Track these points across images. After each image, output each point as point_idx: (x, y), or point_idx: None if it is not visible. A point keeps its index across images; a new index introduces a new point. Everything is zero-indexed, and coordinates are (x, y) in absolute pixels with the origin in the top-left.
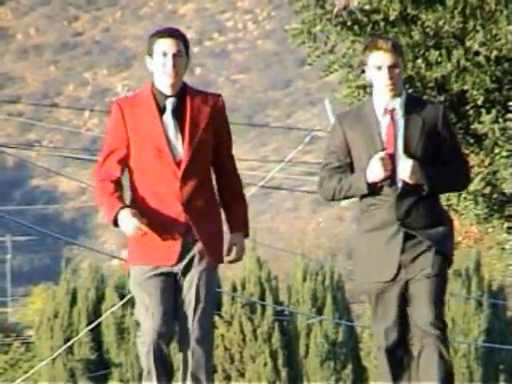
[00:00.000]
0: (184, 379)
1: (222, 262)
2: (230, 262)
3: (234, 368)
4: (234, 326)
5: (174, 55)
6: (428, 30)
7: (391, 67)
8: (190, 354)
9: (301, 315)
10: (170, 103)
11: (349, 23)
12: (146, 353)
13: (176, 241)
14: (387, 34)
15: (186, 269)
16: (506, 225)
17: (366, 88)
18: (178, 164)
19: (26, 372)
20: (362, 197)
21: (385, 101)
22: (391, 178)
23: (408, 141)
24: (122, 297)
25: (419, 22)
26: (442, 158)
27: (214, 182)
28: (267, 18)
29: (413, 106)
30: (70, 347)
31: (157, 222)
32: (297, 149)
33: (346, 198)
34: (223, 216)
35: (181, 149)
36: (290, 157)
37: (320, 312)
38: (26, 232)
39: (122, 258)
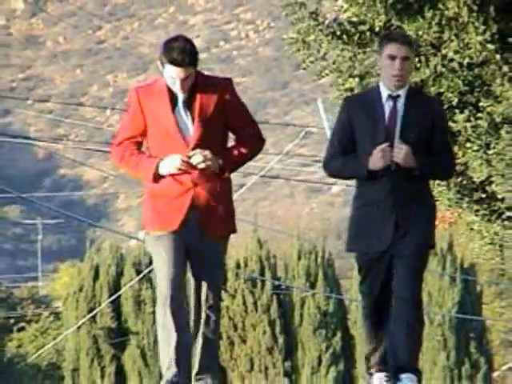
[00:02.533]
0: (195, 339)
1: (229, 234)
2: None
3: (237, 335)
4: (238, 299)
5: (183, 79)
6: None
7: (404, 59)
8: (203, 316)
9: (296, 289)
10: (181, 97)
11: (338, 33)
12: (162, 305)
13: (182, 212)
14: (372, 44)
15: (197, 241)
16: (475, 208)
17: (354, 91)
18: (188, 146)
19: (54, 339)
20: None
21: (390, 89)
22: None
23: (406, 127)
24: (138, 273)
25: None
26: (432, 147)
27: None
28: (267, 28)
29: (414, 96)
30: (93, 317)
31: (169, 195)
32: (293, 143)
33: (347, 178)
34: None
35: (191, 132)
36: (287, 150)
37: (313, 286)
38: (55, 216)
39: (139, 238)
